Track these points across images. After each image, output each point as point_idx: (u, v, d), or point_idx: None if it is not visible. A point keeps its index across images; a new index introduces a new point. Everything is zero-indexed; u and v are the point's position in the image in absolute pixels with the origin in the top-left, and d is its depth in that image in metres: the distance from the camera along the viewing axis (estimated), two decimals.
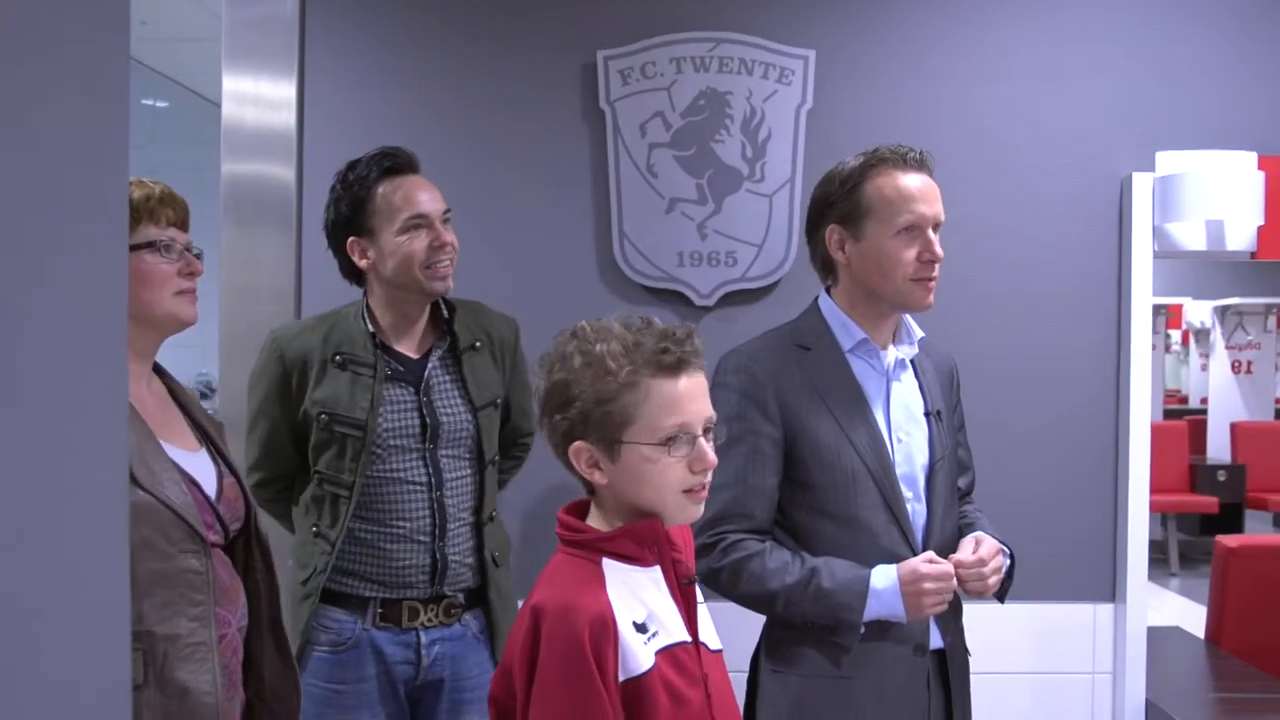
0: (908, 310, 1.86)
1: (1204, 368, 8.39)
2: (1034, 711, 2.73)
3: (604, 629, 1.29)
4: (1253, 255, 2.68)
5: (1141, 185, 2.68)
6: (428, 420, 2.07)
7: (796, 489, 1.81)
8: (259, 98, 2.73)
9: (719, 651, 1.46)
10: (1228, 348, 7.66)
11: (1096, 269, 2.75)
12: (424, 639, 2.06)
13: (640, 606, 1.35)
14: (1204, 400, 8.24)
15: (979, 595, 1.80)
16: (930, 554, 1.75)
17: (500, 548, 2.17)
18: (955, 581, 1.75)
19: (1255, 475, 6.63)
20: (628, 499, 1.39)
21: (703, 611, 1.44)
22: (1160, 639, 2.90)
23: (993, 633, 2.58)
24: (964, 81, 2.77)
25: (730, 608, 1.77)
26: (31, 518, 0.68)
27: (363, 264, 2.08)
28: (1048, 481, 2.74)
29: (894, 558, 1.76)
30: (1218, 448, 7.42)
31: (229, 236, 2.73)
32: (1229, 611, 3.06)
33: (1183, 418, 7.82)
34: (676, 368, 1.35)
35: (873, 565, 1.75)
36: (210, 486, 1.64)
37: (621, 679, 1.30)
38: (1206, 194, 2.58)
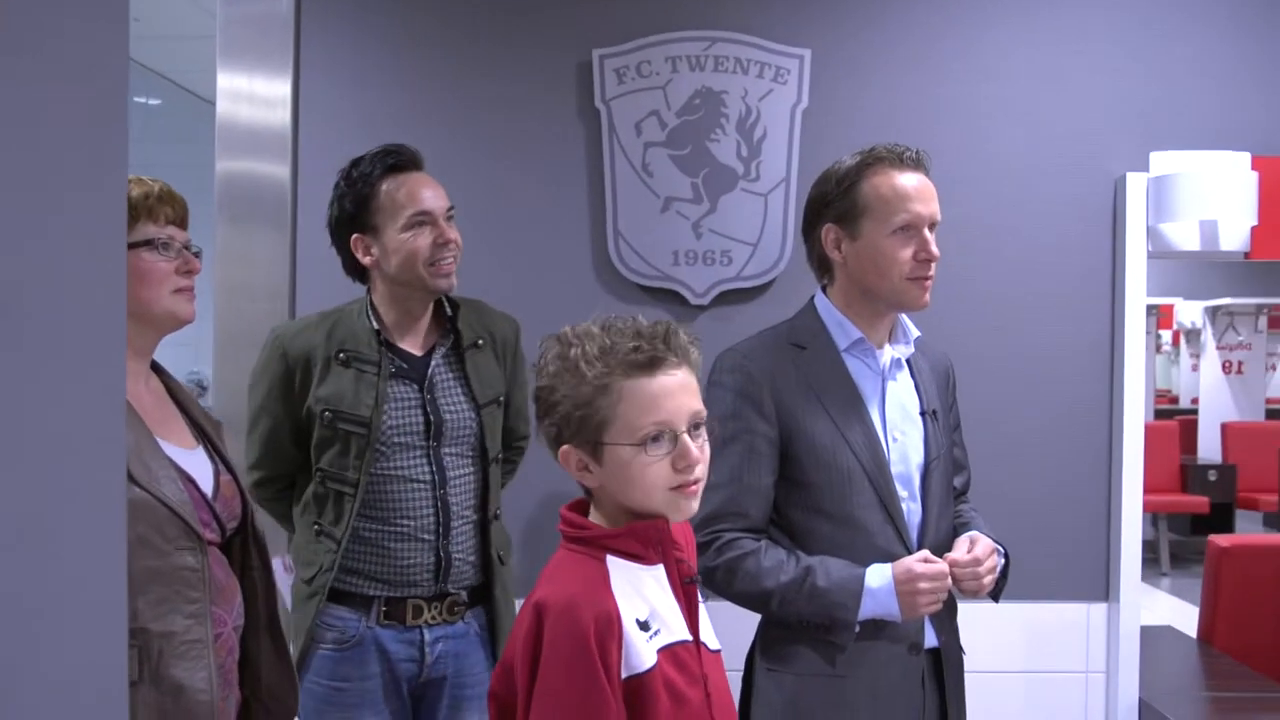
0: (904, 310, 1.86)
1: (1195, 368, 8.42)
2: (1028, 710, 2.74)
3: (609, 625, 1.28)
4: (1246, 255, 2.69)
5: (1136, 185, 2.69)
6: (431, 418, 2.07)
7: (792, 488, 1.81)
8: (254, 95, 2.72)
9: (718, 652, 1.46)
10: (1218, 348, 7.70)
11: (1090, 269, 2.76)
12: (428, 637, 2.06)
13: (643, 604, 1.35)
14: (1195, 400, 8.27)
15: (974, 594, 1.80)
16: (925, 553, 1.75)
17: (503, 546, 2.17)
18: (950, 581, 1.75)
19: (1246, 475, 6.66)
20: (618, 499, 1.39)
21: (702, 611, 1.44)
22: (1153, 638, 2.91)
23: (987, 632, 2.59)
24: (959, 81, 2.77)
25: (726, 606, 1.77)
26: (29, 516, 0.68)
27: (366, 261, 2.08)
28: (1041, 481, 2.74)
29: (889, 557, 1.76)
30: (1208, 448, 7.45)
31: (223, 235, 2.72)
32: (1221, 611, 3.07)
33: (1173, 418, 7.85)
34: (650, 366, 1.35)
35: (868, 564, 1.75)
36: (207, 484, 1.64)
37: (624, 676, 1.30)
38: (1200, 194, 2.59)
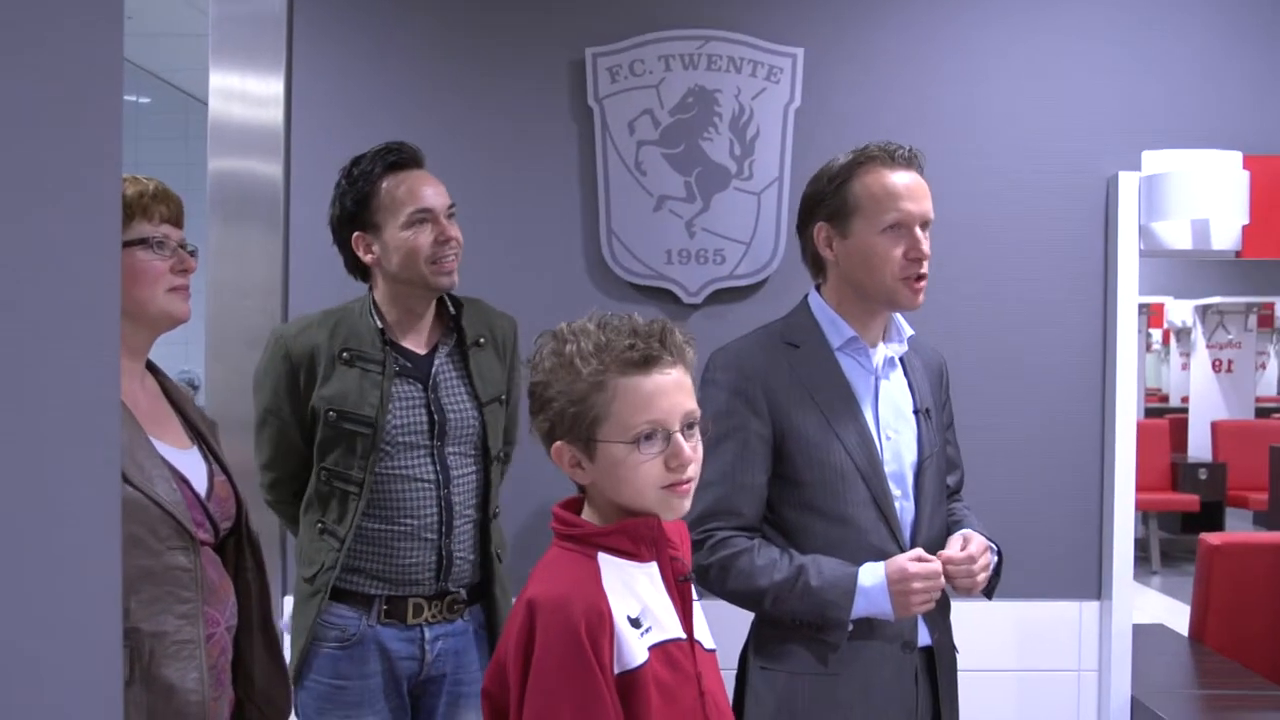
0: (896, 309, 1.86)
1: (1185, 366, 8.46)
2: (1020, 708, 2.74)
3: (599, 621, 1.29)
4: (1238, 254, 2.70)
5: (1127, 184, 2.70)
6: (435, 417, 2.06)
7: (785, 486, 1.81)
8: (246, 94, 2.72)
9: (713, 651, 1.46)
10: (1209, 347, 7.73)
11: (1082, 267, 2.76)
12: (428, 635, 2.06)
13: (635, 601, 1.35)
14: (1185, 399, 8.31)
15: (967, 592, 1.81)
16: (919, 551, 1.76)
17: (501, 545, 2.17)
18: (943, 579, 1.75)
19: (1236, 474, 6.69)
20: (610, 497, 1.39)
21: (697, 610, 1.44)
22: (1144, 636, 2.92)
23: (979, 630, 2.59)
24: (952, 80, 2.78)
25: (720, 605, 1.77)
26: (24, 515, 0.68)
27: (368, 259, 2.08)
28: (1033, 479, 2.75)
29: (882, 555, 1.76)
30: (1199, 446, 7.48)
31: (216, 233, 2.71)
32: (1213, 609, 3.08)
33: (1163, 416, 7.88)
34: (645, 364, 1.35)
35: (861, 562, 1.75)
36: (201, 484, 1.64)
37: (616, 672, 1.30)
38: (1192, 193, 2.60)
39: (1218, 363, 7.72)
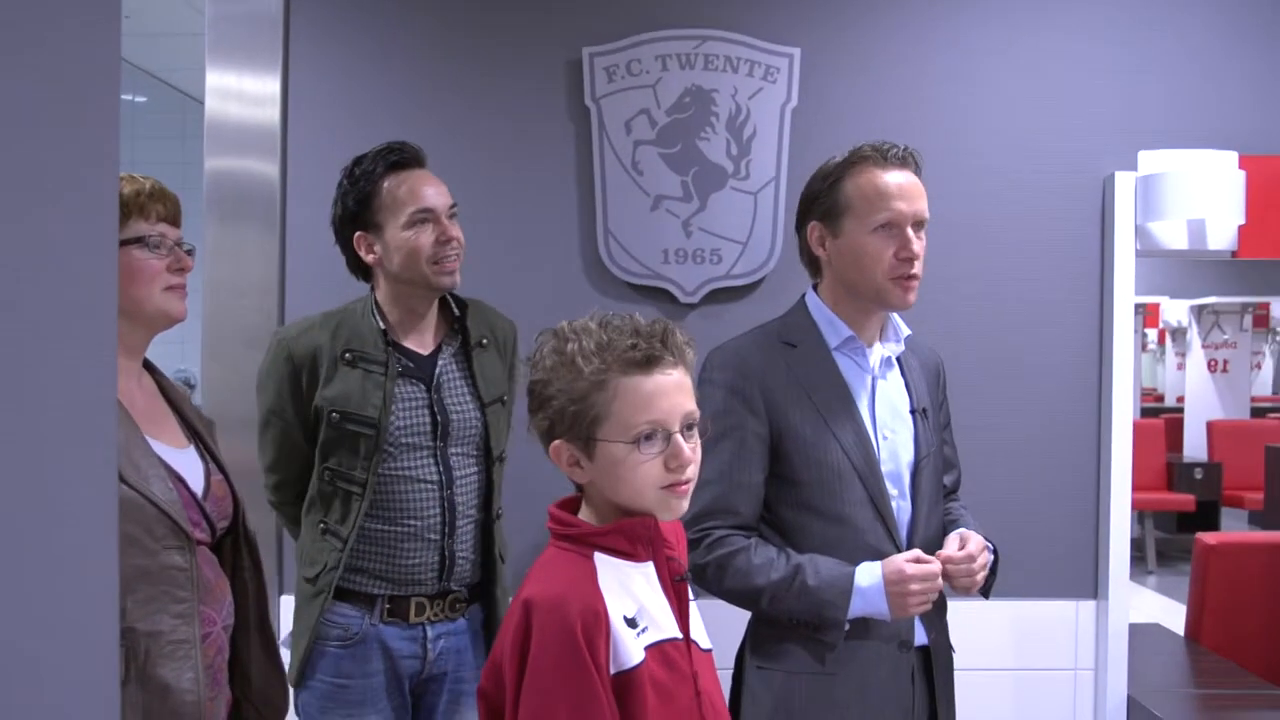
0: (887, 308, 1.86)
1: (1180, 366, 8.47)
2: (1017, 707, 2.74)
3: (596, 621, 1.28)
4: (1234, 254, 2.70)
5: (1124, 184, 2.70)
6: (439, 418, 2.06)
7: (782, 485, 1.81)
8: (243, 93, 2.71)
9: (709, 651, 1.46)
10: (1204, 346, 7.75)
11: (1079, 267, 2.76)
12: (430, 633, 2.06)
13: (631, 601, 1.35)
14: (1180, 399, 8.32)
15: (966, 591, 1.81)
16: (917, 552, 1.75)
17: (504, 545, 2.18)
18: (941, 580, 1.75)
19: (1231, 473, 6.70)
20: (608, 496, 1.39)
21: (694, 610, 1.44)
22: (1141, 635, 2.92)
23: (976, 629, 2.59)
24: (949, 80, 2.78)
25: (716, 604, 1.77)
26: (19, 514, 0.67)
27: (369, 259, 2.07)
28: (1030, 478, 2.75)
29: (879, 554, 1.76)
30: (1194, 446, 7.50)
31: (212, 233, 2.71)
32: (1209, 608, 3.09)
33: (1159, 416, 7.89)
34: (647, 364, 1.35)
35: (858, 562, 1.75)
36: (197, 484, 1.63)
37: (612, 672, 1.30)
38: (1188, 193, 2.60)
39: (1213, 363, 7.74)
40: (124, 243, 1.57)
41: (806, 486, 1.79)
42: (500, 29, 2.75)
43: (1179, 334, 8.51)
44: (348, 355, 2.04)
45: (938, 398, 1.98)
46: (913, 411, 1.88)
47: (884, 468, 1.82)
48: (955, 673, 1.93)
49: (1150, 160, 2.68)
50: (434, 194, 2.07)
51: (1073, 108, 2.77)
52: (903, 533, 1.82)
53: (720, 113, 2.73)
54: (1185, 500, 6.59)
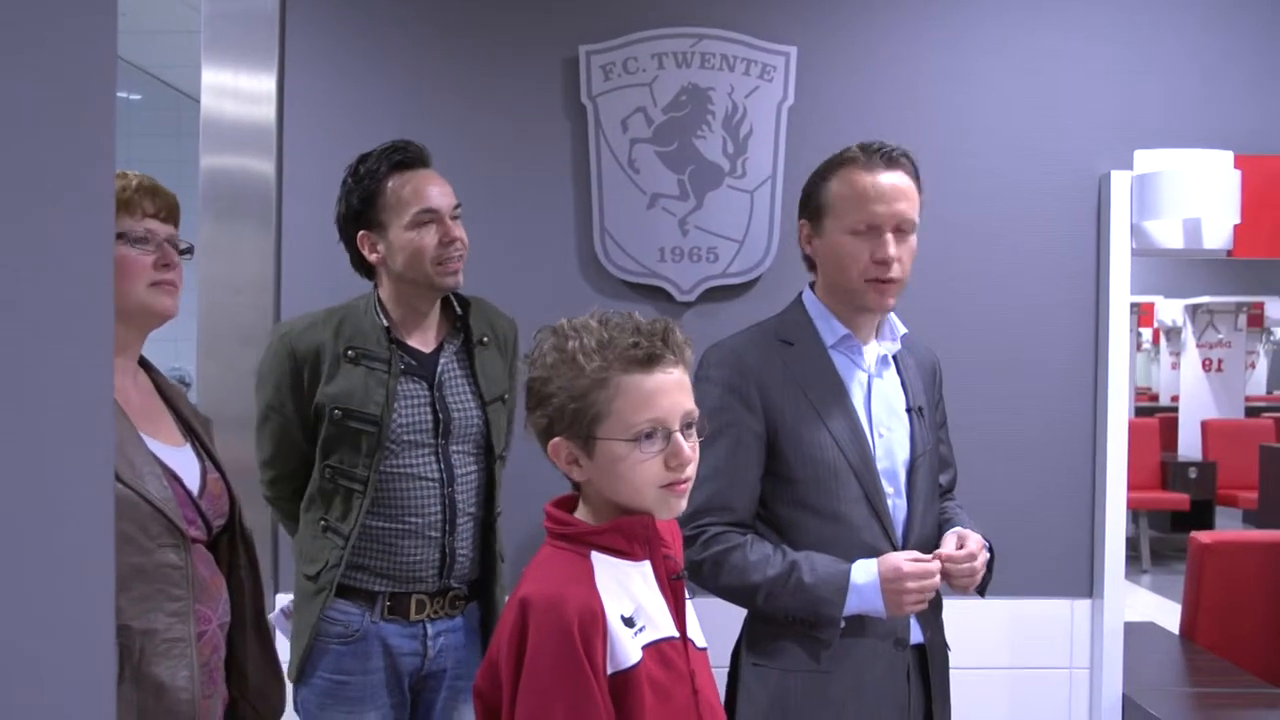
0: (864, 310, 1.86)
1: (1175, 366, 8.49)
2: (1013, 705, 2.75)
3: (593, 620, 1.28)
4: (1229, 253, 2.70)
5: (1120, 183, 2.70)
6: (440, 415, 2.06)
7: (778, 483, 1.81)
8: (239, 91, 2.71)
9: (704, 649, 1.46)
10: (1199, 346, 7.76)
11: (1074, 266, 2.77)
12: (430, 631, 2.06)
13: (628, 600, 1.35)
14: (1175, 398, 8.34)
15: (964, 590, 1.81)
16: (914, 552, 1.76)
17: (502, 543, 2.18)
18: (938, 578, 1.76)
19: (1225, 472, 6.72)
20: (606, 494, 1.39)
21: (689, 608, 1.44)
22: (1136, 634, 2.93)
23: (972, 628, 2.60)
24: (945, 79, 2.78)
25: (713, 602, 1.77)
26: (15, 513, 0.67)
27: (373, 258, 2.07)
28: (1025, 477, 2.75)
29: (874, 552, 1.76)
30: (1189, 445, 7.51)
31: (208, 230, 2.71)
32: (1204, 607, 3.10)
33: (1154, 415, 7.90)
34: (648, 363, 1.35)
35: (853, 560, 1.75)
36: (193, 482, 1.63)
37: (609, 672, 1.30)
38: (1184, 192, 2.60)
39: (1208, 362, 7.75)
40: None
41: (802, 484, 1.79)
42: (496, 27, 2.75)
43: (1174, 333, 8.52)
44: (350, 352, 2.04)
45: (934, 396, 1.99)
46: (909, 410, 1.89)
47: (880, 465, 1.82)
48: (951, 671, 1.94)
49: (1146, 159, 2.69)
50: (438, 194, 2.06)
51: (1069, 107, 2.77)
52: (898, 531, 1.83)
53: (717, 111, 2.73)
54: (1180, 499, 6.61)
